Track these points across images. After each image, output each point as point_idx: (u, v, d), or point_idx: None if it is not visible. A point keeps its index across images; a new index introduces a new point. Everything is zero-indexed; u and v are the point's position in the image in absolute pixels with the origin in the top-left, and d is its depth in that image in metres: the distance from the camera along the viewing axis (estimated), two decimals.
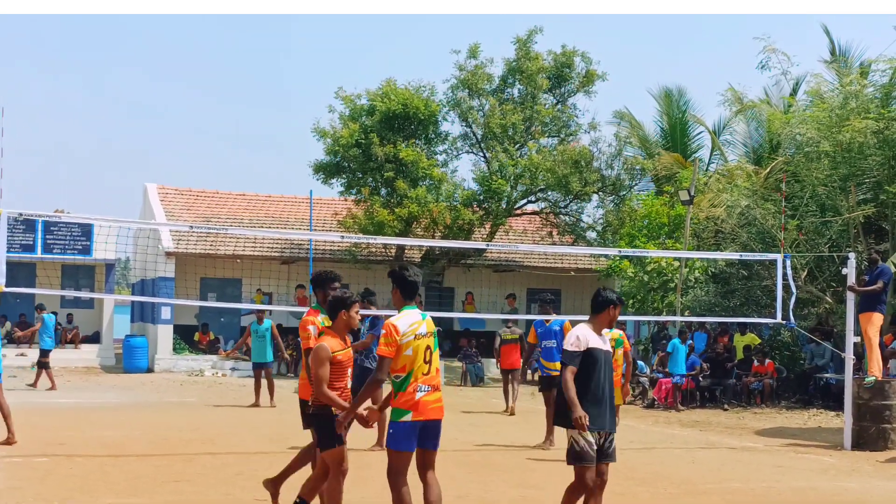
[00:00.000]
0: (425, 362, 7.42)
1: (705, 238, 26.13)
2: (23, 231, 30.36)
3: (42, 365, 23.27)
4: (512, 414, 19.47)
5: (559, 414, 8.11)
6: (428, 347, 7.47)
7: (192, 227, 16.03)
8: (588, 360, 7.91)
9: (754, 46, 53.02)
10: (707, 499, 10.62)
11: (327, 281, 9.10)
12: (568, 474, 8.01)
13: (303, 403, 8.75)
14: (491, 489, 10.81)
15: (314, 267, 27.42)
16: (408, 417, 7.32)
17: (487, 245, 21.07)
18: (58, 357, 30.09)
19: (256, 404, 19.85)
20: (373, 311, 13.94)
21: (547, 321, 14.93)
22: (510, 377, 20.14)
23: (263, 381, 20.26)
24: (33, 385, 22.97)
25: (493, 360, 24.84)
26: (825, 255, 22.03)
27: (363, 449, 13.08)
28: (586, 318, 8.39)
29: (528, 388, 24.36)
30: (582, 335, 7.98)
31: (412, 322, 7.46)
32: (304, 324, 8.90)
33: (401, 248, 30.11)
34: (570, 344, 7.98)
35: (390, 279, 7.75)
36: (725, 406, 21.59)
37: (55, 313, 31.97)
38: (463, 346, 29.28)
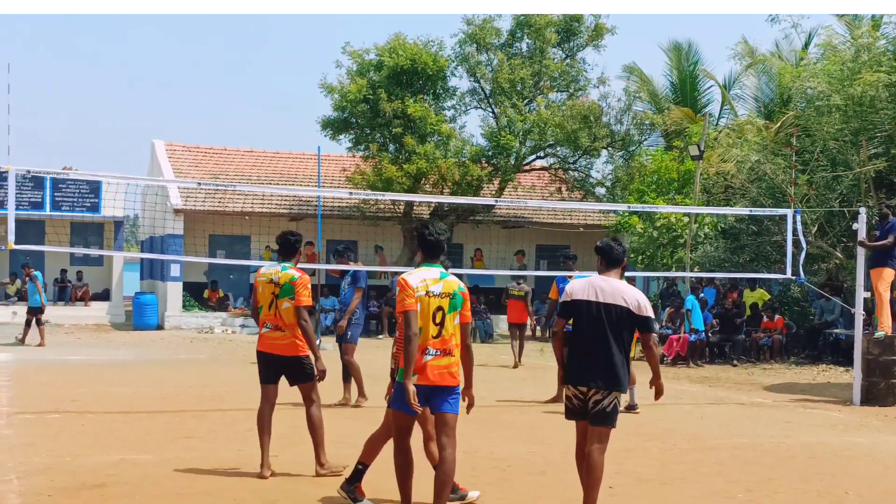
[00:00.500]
0: (435, 324, 7.12)
1: (715, 193, 26.02)
2: (31, 189, 30.35)
3: (39, 322, 23.44)
4: (516, 367, 19.73)
5: (624, 377, 7.45)
6: (440, 308, 7.13)
7: (199, 183, 16.00)
8: None
9: None
10: (716, 454, 10.64)
11: (300, 242, 9.43)
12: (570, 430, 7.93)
13: (292, 359, 9.10)
14: (499, 445, 10.85)
15: (323, 224, 27.37)
16: (413, 380, 7.06)
17: (495, 201, 21.07)
18: (68, 314, 30.35)
19: None
20: (351, 266, 13.90)
21: (569, 277, 14.93)
22: (517, 332, 20.39)
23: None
24: (41, 344, 22.92)
25: (504, 317, 24.85)
26: (836, 210, 21.92)
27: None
28: (593, 274, 8.02)
29: (537, 344, 24.44)
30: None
31: (424, 278, 7.21)
32: (305, 282, 9.02)
33: (409, 204, 30.05)
34: (651, 309, 7.49)
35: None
36: (735, 362, 21.63)
37: (64, 270, 32.21)
38: (472, 302, 29.29)
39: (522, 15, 29.46)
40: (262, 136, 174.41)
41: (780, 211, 18.16)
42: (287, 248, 9.31)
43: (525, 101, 29.29)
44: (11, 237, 12.31)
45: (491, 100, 29.87)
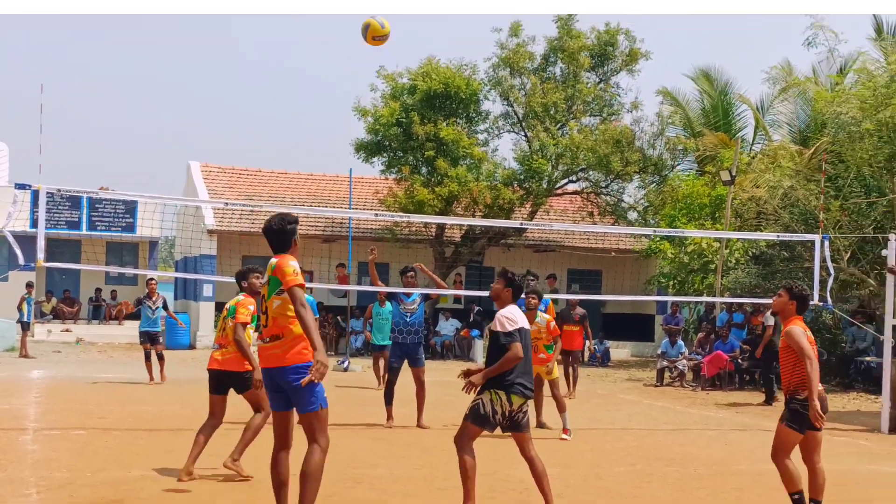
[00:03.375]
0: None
1: (747, 219, 25.90)
2: (69, 208, 30.81)
3: (161, 356, 19.70)
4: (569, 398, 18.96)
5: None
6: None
7: (226, 203, 16.24)
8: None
9: (802, 22, 52.25)
10: (737, 479, 10.59)
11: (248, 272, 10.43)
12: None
13: (229, 374, 9.97)
14: (517, 467, 10.82)
15: (354, 245, 27.50)
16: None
17: (521, 223, 21.16)
18: (102, 333, 30.67)
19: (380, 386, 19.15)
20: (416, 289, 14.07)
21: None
22: (570, 358, 19.79)
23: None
24: (161, 378, 19.55)
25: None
26: (868, 237, 21.75)
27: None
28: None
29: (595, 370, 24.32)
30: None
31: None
32: (246, 303, 9.99)
33: (441, 227, 30.14)
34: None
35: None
36: (764, 388, 21.41)
37: (99, 289, 32.57)
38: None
39: (556, 39, 29.54)
40: (295, 159, 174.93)
41: (809, 236, 18.05)
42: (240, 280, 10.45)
43: (558, 125, 29.34)
44: (41, 255, 12.50)
45: (523, 123, 29.95)
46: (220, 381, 10.01)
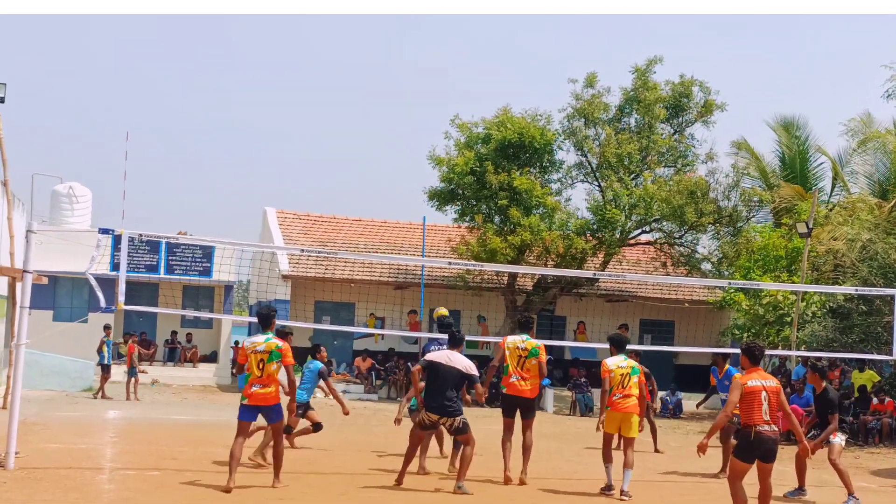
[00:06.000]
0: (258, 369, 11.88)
1: (824, 272, 25.51)
2: (148, 252, 31.40)
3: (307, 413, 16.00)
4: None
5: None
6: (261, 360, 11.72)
7: (303, 250, 16.43)
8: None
9: (881, 74, 51.72)
10: None
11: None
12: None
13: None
14: None
15: (426, 293, 27.65)
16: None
17: (594, 273, 20.95)
18: (176, 375, 31.10)
19: None
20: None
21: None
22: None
23: None
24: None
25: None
26: None
27: None
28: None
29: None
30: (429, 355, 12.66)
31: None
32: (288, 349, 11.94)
33: (513, 275, 30.14)
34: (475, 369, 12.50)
35: None
36: None
37: (175, 332, 33.07)
38: (573, 375, 29.13)
39: (631, 91, 29.53)
40: (370, 206, 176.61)
41: (888, 291, 17.73)
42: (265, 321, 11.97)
43: (632, 176, 29.22)
44: (121, 297, 12.80)
45: (597, 173, 29.88)
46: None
